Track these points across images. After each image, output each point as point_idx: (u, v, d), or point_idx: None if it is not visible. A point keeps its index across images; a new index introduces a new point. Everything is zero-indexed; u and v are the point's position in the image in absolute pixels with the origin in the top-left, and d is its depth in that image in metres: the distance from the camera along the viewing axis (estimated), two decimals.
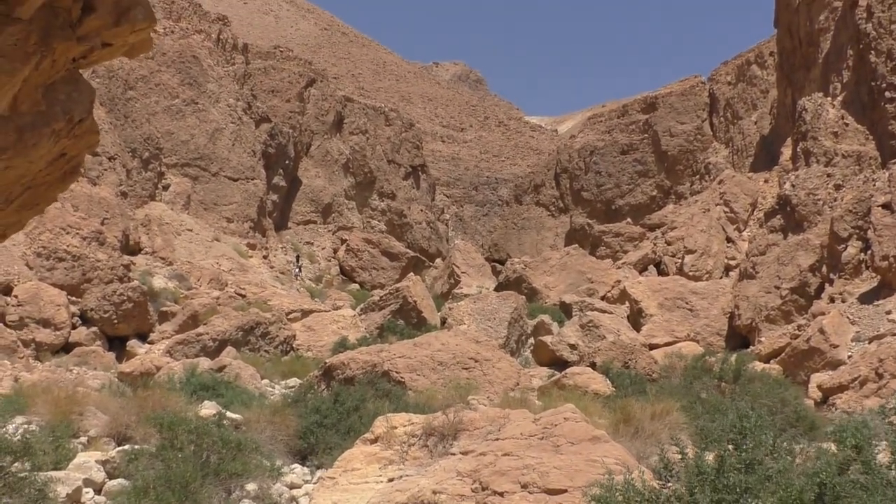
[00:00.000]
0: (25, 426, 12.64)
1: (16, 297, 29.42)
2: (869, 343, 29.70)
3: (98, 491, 11.49)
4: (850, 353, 29.88)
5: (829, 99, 43.17)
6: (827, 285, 36.39)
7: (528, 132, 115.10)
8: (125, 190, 44.08)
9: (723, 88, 60.85)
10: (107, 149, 43.08)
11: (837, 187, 39.40)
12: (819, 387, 27.94)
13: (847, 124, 41.49)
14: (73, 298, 31.66)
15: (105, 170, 42.93)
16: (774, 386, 21.78)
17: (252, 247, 50.50)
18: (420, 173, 74.28)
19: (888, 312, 31.26)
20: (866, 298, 33.26)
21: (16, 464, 9.44)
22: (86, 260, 33.13)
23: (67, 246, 32.87)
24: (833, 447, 6.14)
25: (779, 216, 41.24)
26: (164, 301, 35.43)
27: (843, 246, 35.94)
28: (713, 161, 57.80)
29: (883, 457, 5.72)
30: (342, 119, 67.23)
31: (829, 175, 40.15)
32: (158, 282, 37.60)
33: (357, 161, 66.56)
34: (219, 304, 35.98)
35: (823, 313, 33.73)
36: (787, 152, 47.75)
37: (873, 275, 34.19)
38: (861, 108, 42.06)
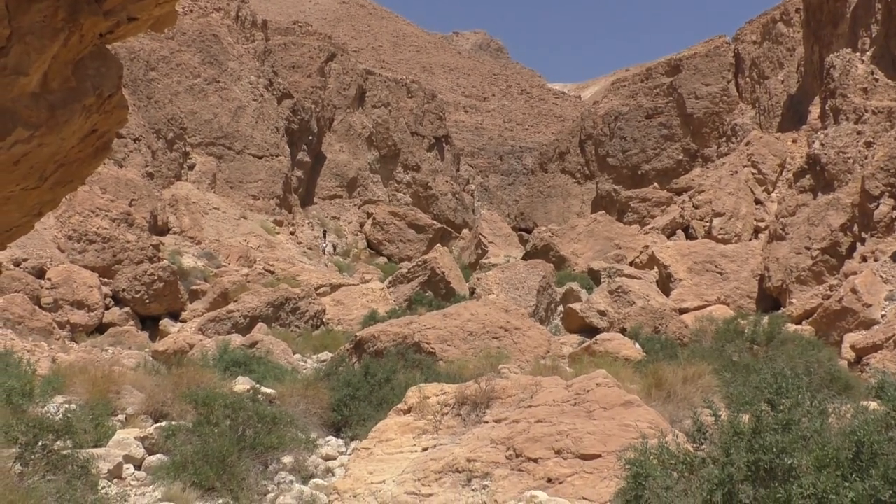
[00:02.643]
0: (65, 405, 12.83)
1: (49, 280, 29.79)
2: None
3: (138, 466, 11.67)
4: (883, 313, 29.60)
5: (857, 54, 42.44)
6: (858, 244, 35.99)
7: (552, 99, 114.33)
8: (151, 171, 44.37)
9: (748, 48, 59.99)
10: (132, 130, 43.34)
11: (868, 144, 38.85)
12: (852, 347, 27.73)
13: (877, 80, 40.81)
14: (105, 280, 32.03)
15: (131, 151, 43.22)
16: (807, 347, 21.64)
17: (279, 223, 50.71)
18: (444, 144, 74.08)
19: None
20: None
21: (58, 442, 9.61)
22: (116, 241, 33.47)
23: (97, 228, 33.21)
24: (872, 405, 6.10)
25: (808, 176, 40.79)
26: (194, 280, 35.72)
27: (875, 204, 35.50)
28: (740, 122, 57.13)
29: None
30: (364, 93, 67.11)
31: (858, 132, 39.58)
32: (188, 261, 37.92)
33: (380, 134, 66.50)
34: (248, 282, 36.25)
35: (855, 273, 33.39)
36: (815, 111, 47.10)
37: None
38: (891, 62, 41.34)
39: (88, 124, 5.80)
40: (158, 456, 11.83)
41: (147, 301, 32.19)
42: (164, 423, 13.02)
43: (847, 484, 4.84)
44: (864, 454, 5.01)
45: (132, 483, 11.08)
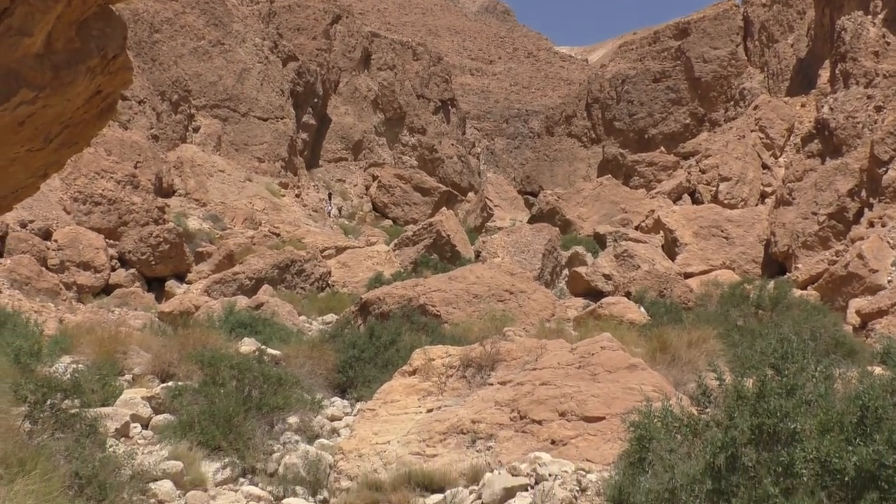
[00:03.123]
0: (73, 365, 12.92)
1: (56, 241, 29.87)
2: None
3: (145, 426, 11.77)
4: (889, 278, 29.59)
5: (869, 17, 41.95)
6: (866, 210, 35.86)
7: (559, 63, 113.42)
8: (156, 133, 44.25)
9: (757, 11, 59.30)
10: (136, 93, 43.16)
11: (878, 109, 38.55)
12: (857, 312, 27.76)
13: (888, 43, 40.39)
14: (111, 241, 32.09)
15: (135, 114, 43.08)
16: (812, 312, 21.66)
17: (284, 186, 50.63)
18: (450, 107, 73.67)
19: None
20: None
21: (66, 401, 9.69)
22: (121, 203, 33.49)
23: (103, 190, 33.21)
24: (877, 370, 6.10)
25: (816, 141, 40.55)
26: (200, 242, 35.78)
27: (884, 169, 35.32)
28: (748, 86, 56.68)
29: None
30: (369, 55, 66.63)
31: (869, 97, 39.27)
32: (193, 223, 37.95)
33: (386, 97, 66.15)
34: (253, 244, 36.29)
35: (862, 238, 33.32)
36: (825, 75, 46.69)
37: None
38: None
39: (93, 85, 5.77)
40: (165, 415, 11.92)
41: (153, 263, 32.27)
42: (170, 384, 13.12)
43: (850, 448, 4.86)
44: (868, 419, 5.03)
45: (139, 442, 11.19)
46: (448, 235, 37.00)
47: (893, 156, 35.14)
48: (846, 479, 4.81)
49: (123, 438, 11.10)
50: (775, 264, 38.85)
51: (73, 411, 9.55)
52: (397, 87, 67.09)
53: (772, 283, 27.42)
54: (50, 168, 6.79)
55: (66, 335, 16.80)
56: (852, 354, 15.85)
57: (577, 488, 7.31)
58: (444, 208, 45.80)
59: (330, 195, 56.88)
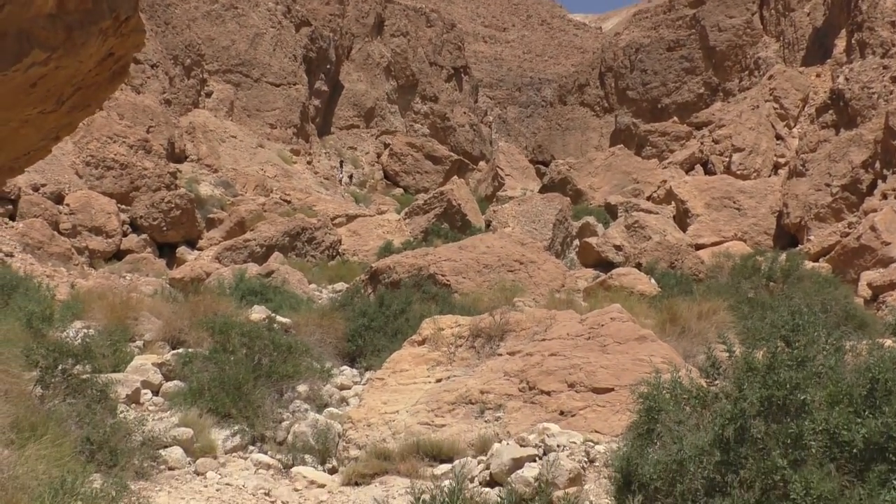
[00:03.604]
0: (84, 331, 12.98)
1: (68, 205, 29.95)
2: None
3: (155, 392, 11.83)
4: None
5: None
6: (880, 182, 35.60)
7: (572, 31, 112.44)
8: (169, 98, 44.18)
9: None
10: (149, 56, 43.05)
11: (894, 79, 38.16)
12: (869, 285, 27.64)
13: None
14: (123, 206, 32.15)
15: (148, 78, 42.99)
16: (824, 284, 21.58)
17: (296, 153, 50.57)
18: (462, 75, 73.22)
19: None
20: None
21: (77, 366, 9.74)
22: (133, 168, 33.50)
23: (115, 154, 33.22)
24: (888, 342, 6.07)
25: (831, 111, 40.19)
26: (211, 208, 35.83)
27: None
28: (763, 56, 56.11)
29: None
30: (382, 21, 66.18)
31: (885, 67, 38.85)
32: (205, 189, 37.98)
33: (399, 64, 65.78)
34: (265, 211, 36.33)
35: (875, 210, 33.11)
36: (840, 44, 46.16)
37: None
38: None
39: (105, 47, 5.73)
40: (175, 382, 11.98)
41: (164, 228, 32.36)
42: (181, 350, 13.17)
43: (859, 420, 4.84)
44: (877, 391, 5.00)
45: (150, 408, 11.26)
46: (459, 204, 36.93)
47: None
48: (855, 450, 4.80)
49: (134, 405, 11.17)
50: (787, 236, 38.68)
51: (84, 377, 9.60)
52: (410, 54, 66.69)
53: (783, 255, 27.30)
54: (62, 130, 6.77)
55: (78, 300, 16.88)
56: (863, 327, 15.80)
57: (586, 459, 7.33)
58: (456, 177, 45.70)
59: (342, 163, 56.80)
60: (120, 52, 6.01)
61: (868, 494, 4.49)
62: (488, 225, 35.72)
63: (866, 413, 4.90)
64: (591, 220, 37.92)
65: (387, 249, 30.67)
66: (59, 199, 30.12)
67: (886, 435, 4.74)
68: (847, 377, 5.29)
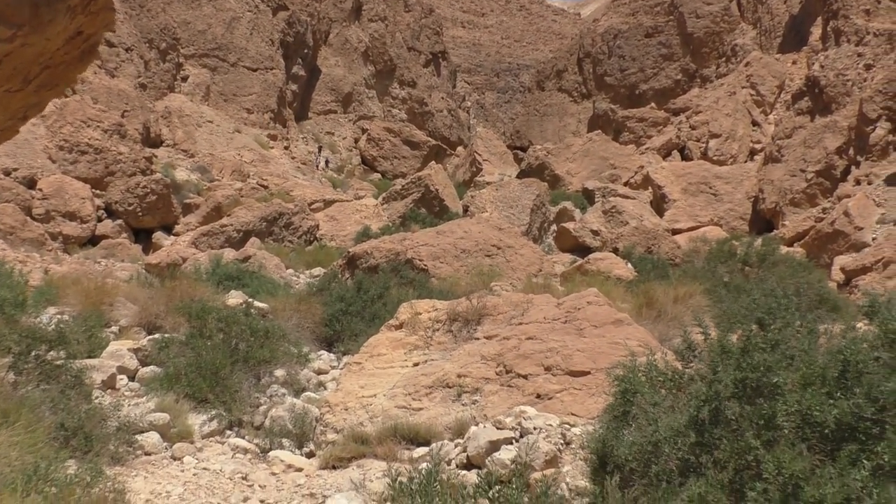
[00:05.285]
0: (58, 316, 12.88)
1: (41, 190, 29.64)
2: (894, 225, 29.53)
3: (131, 377, 11.78)
4: (874, 236, 29.75)
5: None
6: (853, 167, 35.93)
7: (551, 16, 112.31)
8: (144, 82, 43.78)
9: None
10: (123, 40, 42.61)
11: (868, 67, 38.45)
12: (842, 269, 27.93)
13: (879, 1, 40.17)
14: (98, 191, 31.87)
15: (122, 61, 42.56)
16: (798, 269, 21.77)
17: (273, 138, 50.30)
18: (440, 60, 73.00)
19: None
20: (893, 180, 32.92)
21: (51, 352, 9.66)
22: (108, 153, 33.17)
23: (89, 139, 32.88)
24: (861, 325, 6.14)
25: (806, 98, 40.46)
26: (188, 193, 35.60)
27: (872, 127, 35.33)
28: (740, 43, 56.32)
29: None
30: (360, 6, 65.81)
31: (859, 55, 39.13)
32: (181, 174, 37.72)
33: (376, 49, 65.48)
34: (241, 196, 36.15)
35: (849, 196, 33.42)
36: (816, 32, 46.44)
37: None
38: None
39: (73, 25, 5.65)
40: (151, 367, 11.93)
41: (140, 214, 32.12)
42: (157, 336, 13.11)
43: (831, 401, 4.90)
44: (849, 373, 5.06)
45: (126, 393, 11.20)
46: (436, 190, 36.90)
47: (881, 114, 35.13)
48: (826, 431, 4.86)
49: (109, 390, 11.11)
50: (763, 221, 38.98)
51: (58, 363, 9.53)
52: (388, 38, 66.39)
53: (759, 240, 27.53)
54: (30, 110, 6.68)
55: (52, 286, 16.74)
56: (836, 310, 15.97)
57: (562, 441, 7.36)
58: (433, 162, 45.63)
59: (320, 148, 56.55)
60: (89, 30, 5.93)
61: (838, 474, 4.54)
62: (466, 210, 35.74)
63: (838, 394, 4.95)
64: (568, 205, 38.03)
65: (364, 234, 30.63)
66: (31, 183, 29.80)
67: (857, 416, 4.79)
68: (819, 359, 5.35)
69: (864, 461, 4.54)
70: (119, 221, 31.65)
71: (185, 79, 48.67)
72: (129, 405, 10.27)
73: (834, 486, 4.45)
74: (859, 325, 6.20)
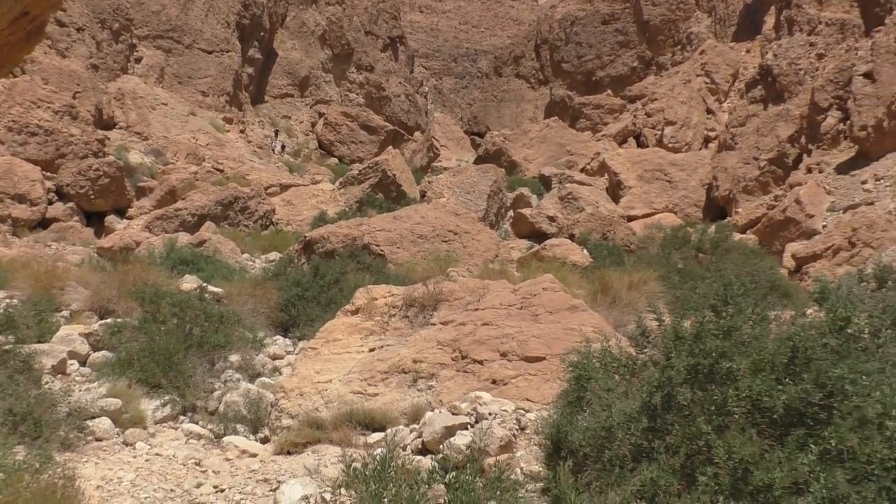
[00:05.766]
0: (7, 301, 12.65)
1: None
2: (844, 213, 30.05)
3: (83, 363, 11.61)
4: (824, 223, 30.26)
5: None
6: (805, 156, 36.49)
7: (508, 2, 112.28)
8: (96, 63, 42.99)
9: None
10: (75, 20, 41.81)
11: (820, 56, 39.02)
12: (793, 256, 28.39)
13: None
14: (48, 174, 31.27)
15: (74, 41, 41.77)
16: (750, 256, 22.08)
17: (228, 121, 49.76)
18: (398, 45, 72.68)
19: (864, 182, 31.52)
20: (843, 169, 33.48)
21: None
22: (59, 134, 32.54)
23: (39, 120, 32.21)
24: (811, 311, 6.24)
25: (760, 87, 40.96)
26: (141, 176, 35.09)
27: (823, 116, 35.88)
28: (695, 31, 56.81)
29: (859, 322, 5.81)
30: None
31: (811, 44, 39.69)
32: (134, 157, 37.15)
33: (334, 32, 64.96)
34: (196, 179, 35.73)
35: (800, 184, 33.94)
36: (770, 21, 47.02)
37: (851, 145, 34.30)
38: None
39: (19, 6, 5.52)
40: (103, 352, 11.76)
41: (92, 197, 31.61)
42: (109, 320, 12.93)
43: (780, 387, 4.98)
44: (798, 359, 5.14)
45: (76, 379, 11.04)
46: (394, 175, 36.81)
47: (832, 103, 35.69)
48: (775, 416, 4.94)
49: (60, 375, 10.94)
50: (716, 208, 39.46)
51: (6, 347, 9.37)
52: (345, 22, 65.91)
53: (713, 227, 27.88)
54: None
55: (0, 270, 16.43)
56: (787, 297, 16.24)
57: (517, 427, 7.41)
58: (391, 147, 45.51)
59: (276, 132, 56.07)
60: (35, 11, 5.80)
61: (787, 458, 4.63)
62: (423, 195, 35.70)
63: (787, 380, 5.03)
64: (525, 191, 38.16)
65: (321, 219, 30.48)
66: None
67: (805, 401, 4.88)
68: (769, 346, 5.42)
69: (812, 446, 4.62)
70: (70, 204, 31.11)
71: (138, 60, 47.89)
72: (79, 390, 10.13)
73: (782, 470, 4.53)
74: (809, 311, 6.30)
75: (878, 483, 4.39)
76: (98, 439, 8.86)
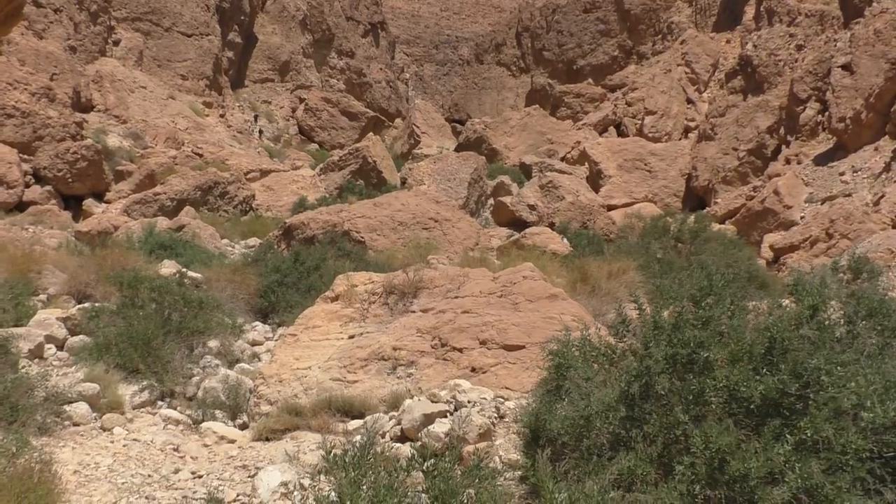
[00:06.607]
0: None
1: None
2: (821, 204, 30.27)
3: (60, 347, 11.53)
4: (802, 214, 30.46)
5: None
6: (783, 147, 36.70)
7: None
8: (74, 44, 42.57)
9: None
10: (52, 0, 41.32)
11: (799, 48, 39.20)
12: (771, 247, 28.57)
13: None
14: (25, 156, 30.93)
15: (51, 23, 41.32)
16: (729, 246, 22.21)
17: (208, 105, 49.44)
18: (379, 31, 72.41)
19: (841, 174, 31.74)
20: (821, 160, 33.70)
21: None
22: (36, 117, 32.19)
23: (16, 102, 31.86)
24: (787, 301, 6.29)
25: (739, 77, 41.12)
26: (120, 160, 34.81)
27: (802, 107, 36.08)
28: (676, 20, 56.93)
29: (833, 313, 5.88)
30: None
31: (791, 35, 39.86)
32: (113, 140, 36.83)
33: (314, 17, 64.61)
34: (176, 164, 35.50)
35: (779, 175, 34.14)
36: (750, 11, 47.20)
37: (829, 136, 34.51)
38: None
39: None
40: (81, 337, 11.69)
41: (70, 180, 31.34)
42: (87, 305, 12.85)
43: (758, 377, 5.02)
44: (775, 349, 5.18)
45: (54, 363, 10.97)
46: (374, 161, 36.72)
47: (811, 94, 35.89)
48: (752, 406, 4.98)
49: (37, 360, 10.87)
50: (696, 198, 39.63)
51: None
52: (326, 7, 65.55)
53: (692, 217, 28.00)
54: None
55: None
56: (764, 287, 16.35)
57: (496, 415, 7.43)
58: (371, 134, 45.36)
59: (256, 116, 55.76)
60: None
61: (763, 448, 4.67)
62: (403, 182, 35.65)
63: (764, 370, 5.08)
64: (505, 179, 38.17)
65: (301, 205, 30.39)
66: None
67: (782, 391, 4.93)
68: (747, 336, 5.47)
69: (788, 436, 4.67)
70: (48, 188, 30.83)
71: (116, 43, 47.45)
72: (57, 375, 10.07)
73: (758, 460, 4.57)
74: (785, 301, 6.35)
75: (852, 473, 4.45)
76: (75, 424, 8.82)
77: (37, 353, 10.96)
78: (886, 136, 31.50)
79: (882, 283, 9.24)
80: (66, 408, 8.92)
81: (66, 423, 8.76)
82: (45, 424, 8.36)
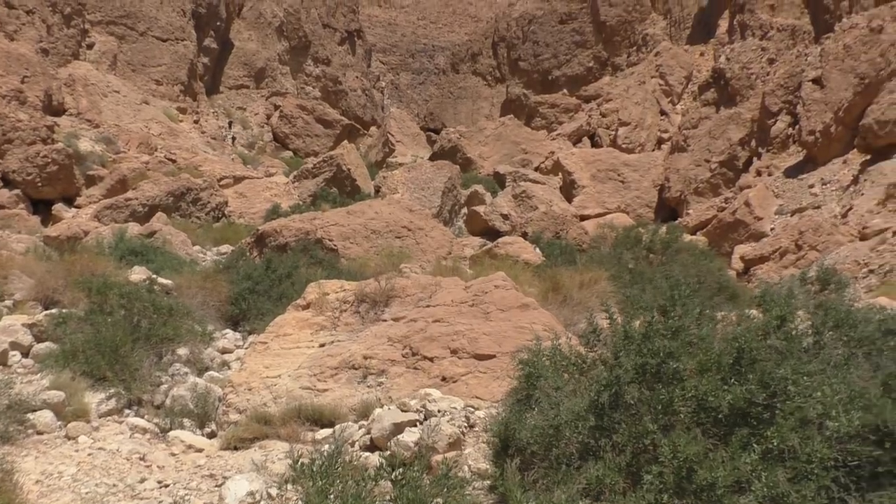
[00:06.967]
0: None
1: None
2: (791, 216, 30.55)
3: (25, 354, 11.37)
4: (772, 226, 30.73)
5: None
6: (755, 159, 37.04)
7: None
8: (46, 47, 42.18)
9: None
10: (24, 2, 40.97)
11: (771, 61, 39.62)
12: (742, 258, 28.79)
13: None
14: None
15: (23, 24, 40.92)
16: (700, 257, 22.34)
17: (182, 111, 49.14)
18: (356, 39, 72.37)
19: (811, 186, 32.06)
20: (791, 172, 34.03)
21: None
22: (5, 119, 31.81)
23: None
24: (755, 312, 6.33)
25: (712, 89, 41.49)
26: (91, 165, 34.47)
27: (773, 120, 36.43)
28: (651, 32, 57.38)
29: (800, 324, 5.92)
30: None
31: (763, 49, 40.29)
32: (85, 144, 36.48)
33: (291, 24, 64.46)
34: (148, 169, 35.23)
35: (750, 186, 34.44)
36: (723, 25, 47.66)
37: (800, 149, 34.87)
38: None
39: None
40: (47, 344, 11.53)
41: (39, 184, 31.01)
42: (54, 311, 12.68)
43: (726, 387, 5.04)
44: (743, 360, 5.21)
45: (18, 371, 10.81)
46: (348, 169, 36.66)
47: (782, 108, 36.26)
48: (720, 416, 5.00)
49: (1, 367, 10.71)
50: (668, 209, 39.89)
51: None
52: (303, 14, 65.44)
53: (664, 228, 28.14)
54: None
55: None
56: (734, 298, 16.44)
57: (466, 424, 7.41)
58: (346, 142, 45.33)
59: (230, 123, 55.50)
60: None
61: (731, 457, 4.69)
62: (377, 191, 35.60)
63: (732, 380, 5.10)
64: (479, 188, 38.22)
65: (274, 212, 30.27)
66: None
67: (749, 401, 4.95)
68: (716, 346, 5.49)
69: (755, 445, 4.69)
70: (16, 191, 30.47)
71: (90, 46, 47.08)
72: (21, 382, 9.93)
73: (725, 469, 4.59)
74: (754, 312, 6.39)
75: (817, 482, 4.47)
76: (39, 433, 8.68)
77: (1, 360, 10.80)
78: (855, 150, 31.87)
79: (848, 294, 9.33)
80: (30, 416, 8.78)
81: (30, 431, 8.63)
82: (8, 433, 8.23)
